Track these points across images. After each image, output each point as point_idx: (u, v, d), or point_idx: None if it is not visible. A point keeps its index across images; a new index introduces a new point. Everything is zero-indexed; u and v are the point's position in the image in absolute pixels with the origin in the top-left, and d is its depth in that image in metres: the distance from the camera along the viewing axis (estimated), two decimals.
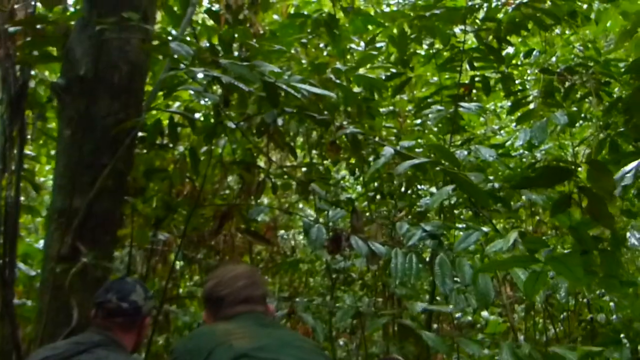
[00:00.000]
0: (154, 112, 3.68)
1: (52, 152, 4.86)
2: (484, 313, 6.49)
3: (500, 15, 4.78)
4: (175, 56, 3.02)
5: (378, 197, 5.17)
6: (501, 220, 5.79)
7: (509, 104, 5.75)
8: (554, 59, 6.38)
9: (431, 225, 3.58)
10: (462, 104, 4.33)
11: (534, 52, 6.05)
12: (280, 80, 3.19)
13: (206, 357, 2.12)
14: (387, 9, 6.24)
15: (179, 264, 5.93)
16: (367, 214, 4.37)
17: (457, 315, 6.37)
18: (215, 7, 4.46)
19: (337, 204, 3.65)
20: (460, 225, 4.44)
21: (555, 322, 6.70)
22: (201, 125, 4.05)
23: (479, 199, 3.26)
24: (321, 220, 3.60)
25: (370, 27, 5.46)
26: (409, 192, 5.29)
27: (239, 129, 3.65)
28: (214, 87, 3.80)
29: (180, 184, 4.08)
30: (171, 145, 4.09)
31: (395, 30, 5.18)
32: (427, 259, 3.41)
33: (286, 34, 4.74)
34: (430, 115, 4.72)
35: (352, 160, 4.19)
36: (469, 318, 6.71)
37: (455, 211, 5.02)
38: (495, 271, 4.49)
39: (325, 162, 4.34)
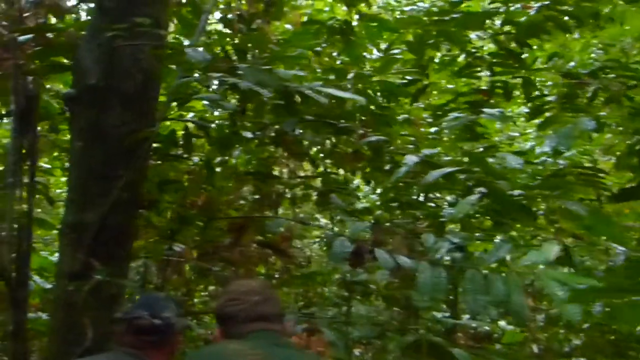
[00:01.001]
0: (167, 122, 3.54)
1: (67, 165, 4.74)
2: (501, 322, 6.33)
3: (522, 19, 4.63)
4: (191, 61, 2.88)
5: (395, 206, 5.04)
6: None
7: (525, 109, 5.62)
8: (572, 63, 6.26)
9: (458, 236, 3.43)
10: (485, 109, 4.17)
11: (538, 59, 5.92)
12: (302, 85, 3.06)
13: None
14: (399, 16, 6.10)
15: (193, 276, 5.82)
16: (387, 224, 4.21)
17: (474, 324, 6.22)
18: (229, 16, 4.33)
19: (356, 214, 3.50)
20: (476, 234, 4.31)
21: (577, 333, 6.53)
22: (216, 135, 3.93)
23: (511, 209, 3.11)
24: (336, 229, 3.47)
25: (384, 34, 5.35)
26: (427, 201, 5.16)
27: (256, 139, 3.51)
28: (229, 97, 3.69)
29: (195, 195, 3.94)
30: (185, 156, 3.96)
31: (410, 37, 5.07)
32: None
33: (300, 42, 4.63)
34: (450, 123, 4.57)
35: (368, 169, 4.03)
36: (487, 328, 6.56)
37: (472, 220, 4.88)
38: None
39: (339, 171, 4.20)
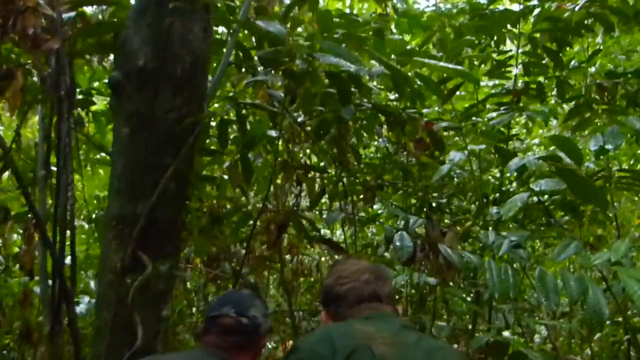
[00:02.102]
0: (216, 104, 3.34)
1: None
2: (505, 333, 6.20)
3: (565, 15, 4.51)
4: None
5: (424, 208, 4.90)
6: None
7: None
8: (593, 68, 6.16)
9: (517, 235, 3.29)
10: (532, 107, 4.04)
11: (573, 61, 5.83)
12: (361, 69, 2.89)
13: None
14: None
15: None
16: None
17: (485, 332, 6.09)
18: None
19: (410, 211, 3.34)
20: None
21: (584, 343, 6.41)
22: (254, 128, 3.75)
23: (597, 202, 2.96)
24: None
25: (416, 31, 5.22)
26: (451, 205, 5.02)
27: (304, 131, 3.34)
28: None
29: (233, 191, 3.76)
30: (221, 150, 3.78)
31: (439, 35, 4.94)
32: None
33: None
34: (489, 122, 4.44)
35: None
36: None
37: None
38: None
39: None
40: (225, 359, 2.17)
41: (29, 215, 3.89)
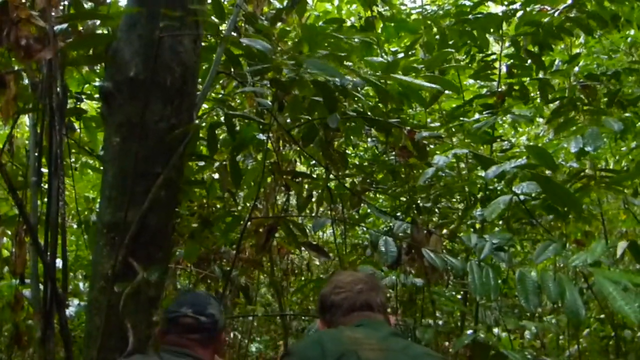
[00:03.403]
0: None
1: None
2: (495, 330, 6.30)
3: (545, 20, 4.61)
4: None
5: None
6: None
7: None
8: (576, 68, 6.25)
9: (498, 237, 3.38)
10: (515, 110, 4.12)
11: (557, 62, 5.92)
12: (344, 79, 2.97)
13: None
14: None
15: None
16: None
17: (469, 332, 6.18)
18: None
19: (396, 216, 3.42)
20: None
21: (572, 341, 6.52)
22: (242, 133, 3.81)
23: (571, 206, 3.05)
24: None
25: (403, 34, 5.30)
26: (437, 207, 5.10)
27: (291, 137, 3.40)
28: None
29: (222, 195, 3.82)
30: (210, 155, 3.84)
31: (425, 38, 5.02)
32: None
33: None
34: (473, 125, 4.52)
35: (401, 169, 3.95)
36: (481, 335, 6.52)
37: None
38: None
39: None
40: (190, 355, 2.26)
41: (20, 219, 3.94)
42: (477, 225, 4.42)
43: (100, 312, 2.86)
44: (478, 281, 2.99)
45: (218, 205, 4.33)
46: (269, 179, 3.86)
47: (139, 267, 2.82)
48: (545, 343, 6.77)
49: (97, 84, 4.26)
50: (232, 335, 7.29)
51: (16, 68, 3.32)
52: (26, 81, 3.61)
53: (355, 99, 3.29)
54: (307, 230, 3.88)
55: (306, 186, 4.03)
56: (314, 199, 4.01)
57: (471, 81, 6.07)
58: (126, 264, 2.85)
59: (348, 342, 1.94)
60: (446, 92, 5.41)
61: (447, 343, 5.05)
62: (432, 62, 3.73)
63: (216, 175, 4.19)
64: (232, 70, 3.60)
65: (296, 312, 6.46)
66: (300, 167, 4.97)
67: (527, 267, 3.14)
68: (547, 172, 3.16)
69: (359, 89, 3.20)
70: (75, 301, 4.88)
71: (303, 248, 5.39)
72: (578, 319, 2.79)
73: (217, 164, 3.94)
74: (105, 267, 2.90)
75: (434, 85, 3.08)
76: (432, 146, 4.51)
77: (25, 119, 5.99)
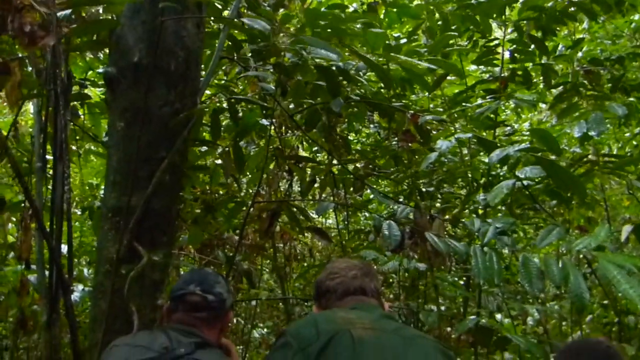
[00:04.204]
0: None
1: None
2: (498, 316, 6.32)
3: (548, 4, 4.59)
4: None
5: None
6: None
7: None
8: (580, 53, 6.24)
9: (502, 222, 3.38)
10: (517, 95, 4.12)
11: (560, 47, 5.91)
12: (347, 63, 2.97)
13: (325, 344, 1.88)
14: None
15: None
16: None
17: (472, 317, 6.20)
18: None
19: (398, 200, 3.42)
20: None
21: (574, 327, 6.54)
22: (246, 119, 3.82)
23: (575, 191, 3.05)
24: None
25: (406, 20, 5.28)
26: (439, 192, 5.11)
27: (294, 122, 3.41)
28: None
29: (225, 181, 3.83)
30: (213, 140, 3.84)
31: (428, 23, 5.00)
32: None
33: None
34: (476, 110, 4.52)
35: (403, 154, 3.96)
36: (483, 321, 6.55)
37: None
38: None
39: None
40: (197, 334, 2.24)
41: (25, 205, 3.97)
42: (480, 211, 4.43)
43: (105, 296, 2.88)
44: (481, 265, 3.00)
45: (221, 192, 4.34)
46: (271, 165, 3.87)
47: (143, 251, 2.84)
48: (548, 329, 6.78)
49: (100, 70, 4.27)
50: (235, 321, 7.33)
51: (20, 55, 3.34)
52: (30, 69, 3.63)
53: (358, 84, 3.29)
54: (311, 215, 3.89)
55: (309, 171, 4.03)
56: (317, 184, 4.02)
57: (474, 67, 6.06)
58: (131, 248, 2.87)
59: (341, 322, 1.98)
60: (449, 78, 5.42)
61: (449, 328, 5.07)
62: (435, 46, 3.72)
63: (219, 162, 4.20)
64: (235, 55, 3.60)
65: (299, 297, 6.49)
66: (303, 153, 4.97)
67: (530, 253, 3.15)
68: (551, 156, 3.16)
69: (362, 73, 3.20)
70: (80, 286, 4.91)
71: (306, 234, 5.42)
72: (582, 302, 2.80)
73: (220, 150, 3.95)
74: (110, 251, 2.92)
75: (437, 67, 3.06)
76: (435, 132, 4.52)
77: (30, 107, 6.01)
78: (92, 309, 3.00)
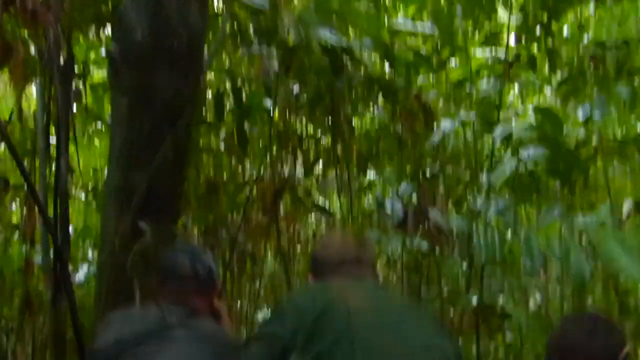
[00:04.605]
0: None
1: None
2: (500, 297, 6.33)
3: None
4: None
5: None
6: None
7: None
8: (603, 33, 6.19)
9: (504, 200, 3.40)
10: (523, 76, 4.10)
11: (565, 27, 5.87)
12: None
13: (320, 314, 1.89)
14: None
15: None
16: None
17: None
18: None
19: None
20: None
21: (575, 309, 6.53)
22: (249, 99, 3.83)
23: (579, 170, 3.05)
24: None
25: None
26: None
27: (298, 101, 3.42)
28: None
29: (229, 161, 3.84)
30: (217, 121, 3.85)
31: (431, 6, 4.97)
32: None
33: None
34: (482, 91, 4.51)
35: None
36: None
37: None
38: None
39: None
40: (188, 304, 2.26)
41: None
42: (482, 193, 4.43)
43: (109, 274, 2.91)
44: (484, 242, 3.01)
45: (225, 174, 4.34)
46: (275, 146, 3.88)
47: (146, 227, 2.84)
48: (549, 311, 6.78)
49: (103, 50, 4.27)
50: (238, 304, 7.35)
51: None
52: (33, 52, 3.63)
53: (364, 64, 3.28)
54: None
55: (313, 150, 4.04)
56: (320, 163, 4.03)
57: (478, 52, 6.03)
58: (135, 226, 2.88)
59: (337, 291, 2.00)
60: (453, 63, 5.39)
61: (451, 308, 5.08)
62: (440, 28, 3.71)
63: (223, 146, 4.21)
64: (239, 37, 3.60)
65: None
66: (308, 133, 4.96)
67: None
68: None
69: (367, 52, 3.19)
70: (85, 266, 4.93)
71: (309, 219, 5.43)
72: (583, 278, 2.82)
73: (223, 135, 3.97)
74: (114, 230, 2.93)
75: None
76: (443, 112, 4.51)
77: (33, 91, 6.01)
78: (97, 287, 3.02)
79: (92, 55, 4.30)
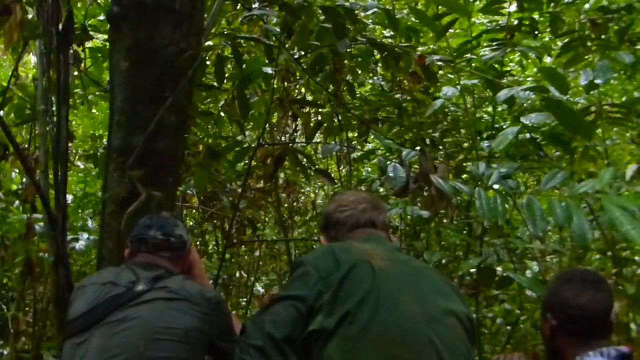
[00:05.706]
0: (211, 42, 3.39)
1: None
2: (499, 268, 6.34)
3: None
4: None
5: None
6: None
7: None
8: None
9: (506, 166, 3.39)
10: (525, 43, 4.08)
11: None
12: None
13: (345, 274, 1.89)
14: None
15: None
16: None
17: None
18: None
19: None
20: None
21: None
22: (250, 64, 3.79)
23: (582, 132, 3.05)
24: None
25: None
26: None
27: (299, 66, 3.39)
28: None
29: (230, 127, 3.82)
30: (218, 85, 3.82)
31: None
32: None
33: None
34: (483, 58, 4.48)
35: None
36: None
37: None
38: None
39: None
40: (163, 267, 2.34)
41: (29, 150, 3.97)
42: (483, 160, 4.43)
43: (111, 236, 2.90)
44: (486, 207, 3.01)
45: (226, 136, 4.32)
46: (275, 112, 3.86)
47: (142, 188, 2.82)
48: (548, 282, 6.81)
49: (104, 16, 4.22)
50: (238, 274, 7.39)
51: None
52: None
53: (365, 27, 3.26)
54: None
55: (313, 116, 4.02)
56: (321, 130, 4.01)
57: (478, 20, 5.98)
58: (135, 187, 2.87)
59: (359, 252, 2.00)
60: (454, 30, 5.35)
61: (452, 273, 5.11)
62: None
63: (223, 114, 4.18)
64: None
65: (302, 238, 6.50)
66: (308, 98, 4.94)
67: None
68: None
69: (369, 17, 3.17)
70: (85, 235, 4.93)
71: (308, 187, 5.42)
72: (584, 242, 2.82)
73: (222, 102, 3.94)
74: (115, 191, 2.92)
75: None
76: (443, 80, 4.49)
77: (31, 58, 5.97)
78: (99, 249, 3.02)
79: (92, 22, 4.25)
